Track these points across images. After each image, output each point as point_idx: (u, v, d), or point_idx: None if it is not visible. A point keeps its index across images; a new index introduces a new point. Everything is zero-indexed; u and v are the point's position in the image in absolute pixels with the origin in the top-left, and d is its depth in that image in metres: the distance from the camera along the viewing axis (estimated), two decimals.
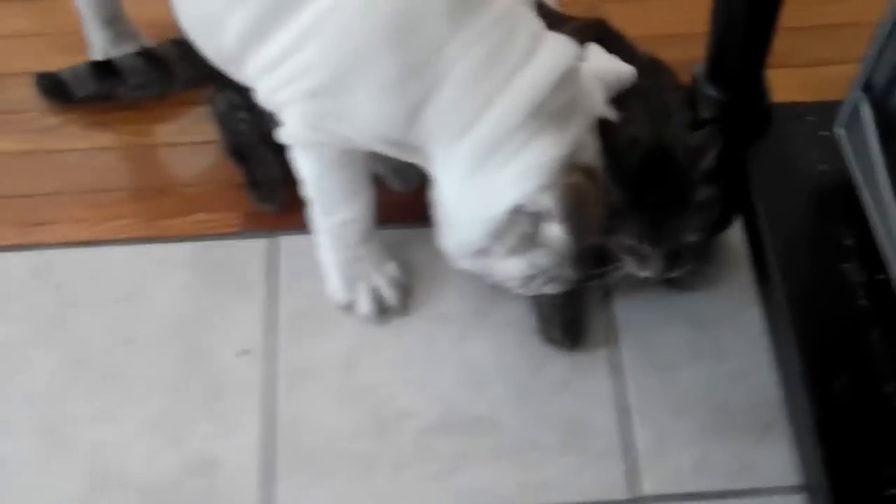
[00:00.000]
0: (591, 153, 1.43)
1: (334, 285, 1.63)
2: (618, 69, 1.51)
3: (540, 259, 1.46)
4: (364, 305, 1.63)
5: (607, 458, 1.52)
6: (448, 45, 1.37)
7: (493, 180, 1.41)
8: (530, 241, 1.44)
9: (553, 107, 1.39)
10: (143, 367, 1.59)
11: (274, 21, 1.41)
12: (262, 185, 1.72)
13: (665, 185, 1.44)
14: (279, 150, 1.58)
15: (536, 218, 1.40)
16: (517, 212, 1.40)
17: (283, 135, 1.51)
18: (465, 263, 1.52)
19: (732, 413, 1.55)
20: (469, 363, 1.59)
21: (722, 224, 1.58)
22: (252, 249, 1.69)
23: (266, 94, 1.49)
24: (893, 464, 1.28)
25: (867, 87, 1.36)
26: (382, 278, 1.63)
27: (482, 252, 1.48)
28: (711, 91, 1.48)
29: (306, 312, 1.63)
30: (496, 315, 1.63)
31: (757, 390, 1.56)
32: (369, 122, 1.43)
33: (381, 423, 1.55)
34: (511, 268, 1.48)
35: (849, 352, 1.35)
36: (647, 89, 1.50)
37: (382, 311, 1.63)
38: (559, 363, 1.59)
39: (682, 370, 1.58)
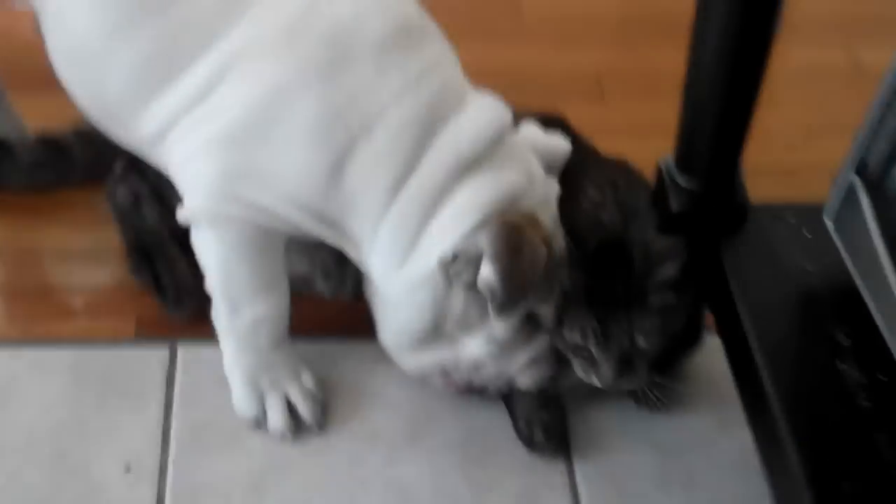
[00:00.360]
0: (539, 212, 1.30)
1: (241, 397, 1.39)
2: (553, 142, 1.39)
3: (497, 331, 1.26)
4: (275, 421, 1.38)
5: None
6: (377, 90, 1.23)
7: (425, 237, 1.26)
8: (480, 308, 1.25)
9: (485, 157, 1.27)
10: (4, 480, 1.30)
11: (172, 63, 1.25)
12: (170, 290, 1.49)
13: (620, 281, 1.31)
14: (191, 251, 1.37)
15: (476, 265, 1.25)
16: (455, 261, 1.25)
17: (185, 210, 1.30)
18: (415, 360, 1.32)
19: None
20: (400, 487, 1.35)
21: (691, 337, 1.40)
22: (145, 358, 1.45)
23: (163, 155, 1.30)
24: None
25: (861, 169, 1.20)
26: (297, 390, 1.39)
27: (430, 337, 1.28)
28: (682, 181, 1.31)
29: (207, 427, 1.38)
30: (432, 437, 1.40)
31: None
32: (288, 178, 1.25)
33: None
34: (469, 350, 1.27)
35: (854, 457, 1.14)
36: (619, 182, 1.39)
37: (296, 429, 1.38)
38: (506, 489, 1.36)
39: (647, 498, 1.35)
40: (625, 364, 1.33)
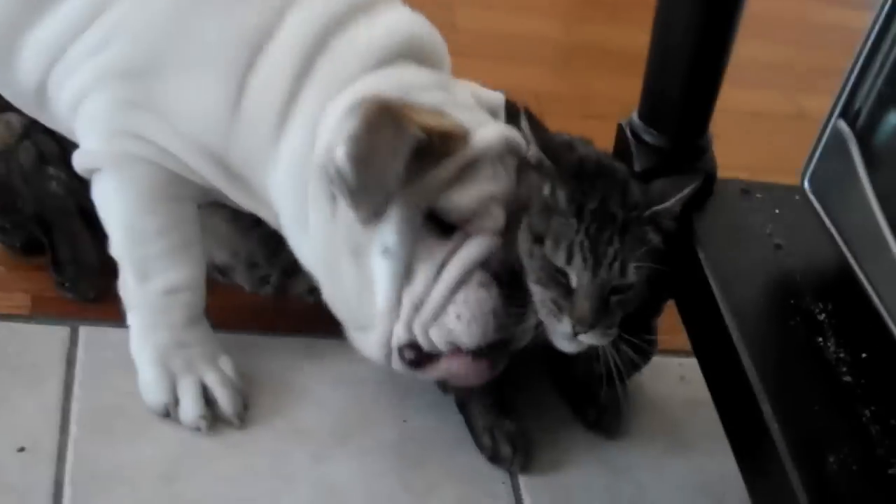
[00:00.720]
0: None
1: (149, 380, 1.23)
2: (490, 93, 1.26)
3: (388, 237, 1.13)
4: (189, 409, 1.22)
5: None
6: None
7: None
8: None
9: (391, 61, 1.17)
10: None
11: None
12: (69, 267, 1.34)
13: (614, 204, 1.14)
14: (99, 227, 1.24)
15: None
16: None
17: (82, 155, 1.18)
18: (368, 337, 1.19)
19: None
20: (329, 487, 1.20)
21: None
22: (43, 335, 1.29)
23: (51, 105, 1.20)
24: None
25: (845, 114, 1.13)
26: (215, 376, 1.24)
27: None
28: (648, 137, 1.21)
29: (113, 411, 1.22)
30: (365, 438, 1.26)
31: None
32: (188, 111, 1.15)
33: None
34: (376, 276, 1.15)
35: (840, 431, 1.05)
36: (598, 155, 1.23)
37: (212, 420, 1.23)
38: (445, 495, 1.23)
39: None
40: (603, 306, 1.13)
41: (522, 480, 1.25)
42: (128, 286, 1.22)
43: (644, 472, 1.29)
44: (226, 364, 1.26)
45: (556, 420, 1.33)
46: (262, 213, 1.22)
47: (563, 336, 1.13)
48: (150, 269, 1.21)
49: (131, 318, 1.24)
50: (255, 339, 1.34)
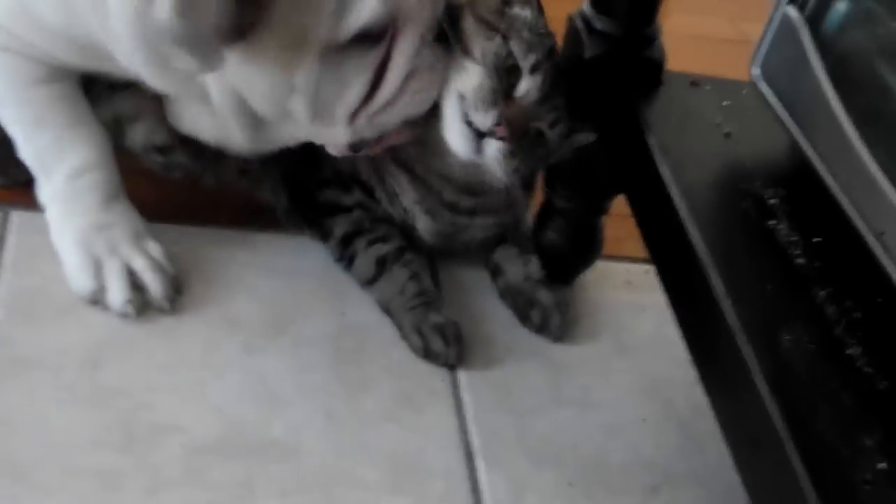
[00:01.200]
0: None
1: (74, 267, 1.18)
2: None
3: None
4: (116, 293, 1.18)
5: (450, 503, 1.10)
6: None
7: None
8: None
9: None
10: None
11: None
12: None
13: None
14: None
15: None
16: None
17: None
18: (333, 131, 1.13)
19: (607, 470, 1.17)
20: (260, 378, 1.17)
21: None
22: None
23: None
24: (870, 432, 0.93)
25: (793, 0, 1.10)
26: (142, 259, 1.20)
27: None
28: (598, 23, 1.18)
29: (39, 296, 1.18)
30: (300, 330, 1.22)
31: (634, 448, 1.20)
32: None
33: (132, 436, 1.08)
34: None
35: (794, 310, 1.02)
36: None
37: (141, 306, 1.19)
38: (382, 390, 1.19)
39: (540, 416, 1.20)
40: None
41: (462, 377, 1.22)
42: (39, 184, 1.19)
43: (588, 374, 1.26)
44: (154, 248, 1.21)
45: (499, 325, 1.29)
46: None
47: (477, 130, 1.12)
48: (48, 160, 1.17)
49: (49, 213, 1.20)
50: (191, 230, 1.29)
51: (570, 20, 1.20)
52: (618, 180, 1.24)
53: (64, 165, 1.17)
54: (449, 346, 1.21)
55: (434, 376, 1.21)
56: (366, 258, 1.26)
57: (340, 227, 1.27)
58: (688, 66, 1.70)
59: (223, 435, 1.10)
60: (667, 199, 1.10)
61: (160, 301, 1.19)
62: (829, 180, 1.03)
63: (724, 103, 1.20)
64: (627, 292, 1.35)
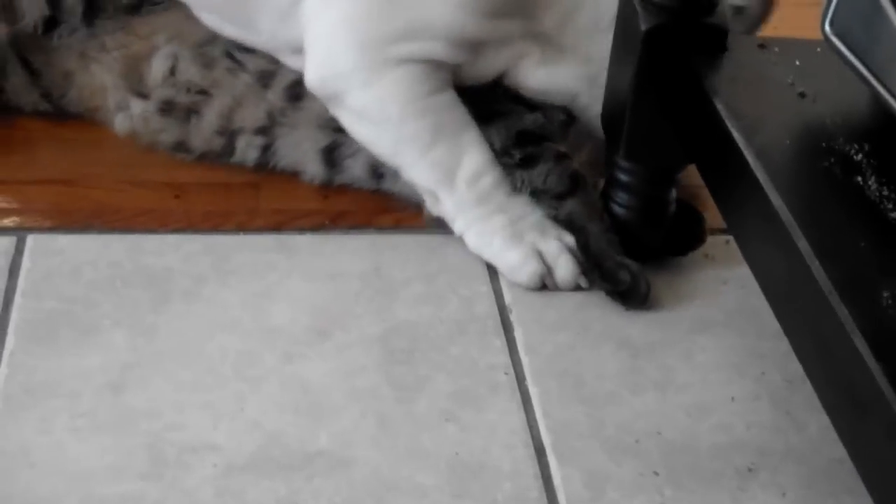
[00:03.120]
0: None
1: (515, 262, 1.17)
2: None
3: None
4: (566, 271, 1.16)
5: None
6: None
7: None
8: None
9: None
10: None
11: None
12: None
13: None
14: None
15: None
16: None
17: (329, 79, 1.15)
18: None
19: (696, 455, 1.03)
20: (302, 387, 1.05)
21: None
22: None
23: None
24: None
25: None
26: (556, 242, 1.17)
27: None
28: None
29: (60, 319, 1.09)
30: (342, 333, 1.11)
31: (725, 429, 1.06)
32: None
33: (160, 459, 0.97)
34: None
35: (893, 265, 0.90)
36: None
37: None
38: (438, 390, 1.07)
39: (617, 404, 1.07)
40: None
41: (528, 368, 1.09)
42: (438, 200, 1.18)
43: (669, 354, 1.13)
44: (560, 233, 1.18)
45: (567, 307, 1.17)
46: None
47: None
48: (447, 170, 1.16)
49: (459, 227, 1.19)
50: (224, 237, 1.20)
51: None
52: (686, 150, 1.13)
53: (462, 172, 1.16)
54: (636, 280, 1.14)
55: (495, 370, 1.09)
56: (560, 169, 1.18)
57: (519, 121, 1.21)
58: None
59: (261, 451, 0.99)
60: (742, 163, 0.99)
61: (571, 282, 1.16)
62: None
63: (796, 63, 1.10)
64: (707, 265, 1.22)
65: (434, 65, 1.15)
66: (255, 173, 1.28)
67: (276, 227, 1.22)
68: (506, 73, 1.20)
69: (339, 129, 1.20)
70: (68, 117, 1.31)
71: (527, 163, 1.18)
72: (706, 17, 1.09)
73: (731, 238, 1.18)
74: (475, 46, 1.17)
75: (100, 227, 1.20)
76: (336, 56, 1.14)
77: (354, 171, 1.24)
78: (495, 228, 1.17)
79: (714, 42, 1.09)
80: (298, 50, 1.18)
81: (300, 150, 1.24)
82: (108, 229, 1.20)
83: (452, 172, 1.16)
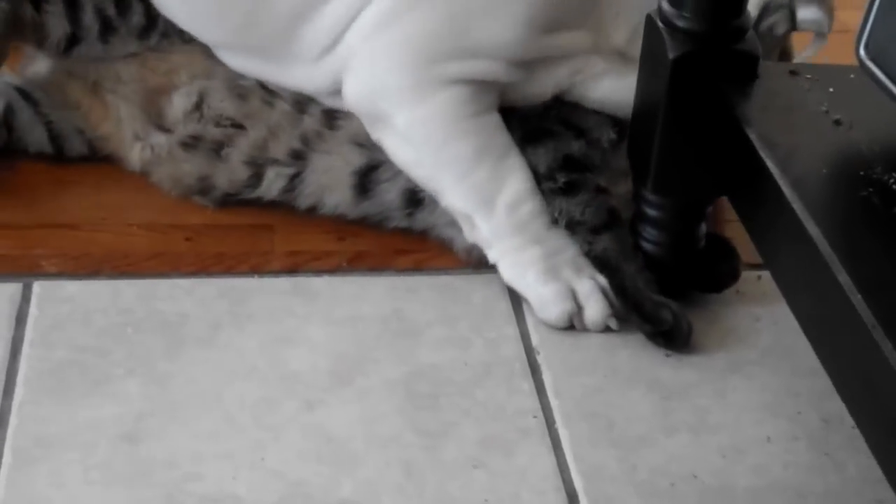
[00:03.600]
0: None
1: (545, 297, 1.13)
2: None
3: None
4: (596, 311, 1.12)
5: None
6: None
7: None
8: None
9: None
10: None
11: None
12: None
13: None
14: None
15: None
16: None
17: (374, 100, 1.14)
18: None
19: (732, 498, 1.00)
20: (324, 434, 1.02)
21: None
22: None
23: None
24: None
25: None
26: (589, 281, 1.14)
27: None
28: (680, 21, 1.04)
29: (66, 369, 1.05)
30: (364, 378, 1.07)
31: (761, 471, 1.02)
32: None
33: None
34: None
35: None
36: None
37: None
38: (465, 436, 1.03)
39: (650, 446, 1.03)
40: None
41: (557, 412, 1.06)
42: (475, 225, 1.14)
43: (702, 394, 1.09)
44: (592, 271, 1.15)
45: (597, 348, 1.13)
46: None
47: None
48: (487, 194, 1.13)
49: (495, 254, 1.15)
50: (239, 280, 1.16)
51: (650, 19, 1.07)
52: (717, 182, 1.10)
53: (503, 197, 1.14)
54: (678, 319, 1.10)
55: (524, 414, 1.05)
56: (598, 202, 1.15)
57: (567, 145, 1.18)
58: None
59: (284, 501, 0.95)
60: (777, 194, 0.96)
61: (601, 324, 1.13)
62: None
63: (830, 90, 1.07)
64: (738, 301, 1.18)
65: (484, 85, 1.13)
66: (267, 214, 1.24)
67: (292, 270, 1.19)
68: (564, 90, 1.18)
69: (376, 150, 1.18)
70: (69, 161, 1.28)
71: (569, 190, 1.14)
72: (736, 43, 1.06)
73: (762, 273, 1.15)
74: (531, 65, 1.14)
75: (109, 273, 1.16)
76: (385, 74, 1.13)
77: (388, 196, 1.20)
78: (531, 260, 1.13)
79: (745, 69, 1.06)
80: (333, 91, 1.16)
81: (329, 176, 1.20)
82: (117, 274, 1.16)
83: (493, 197, 1.13)
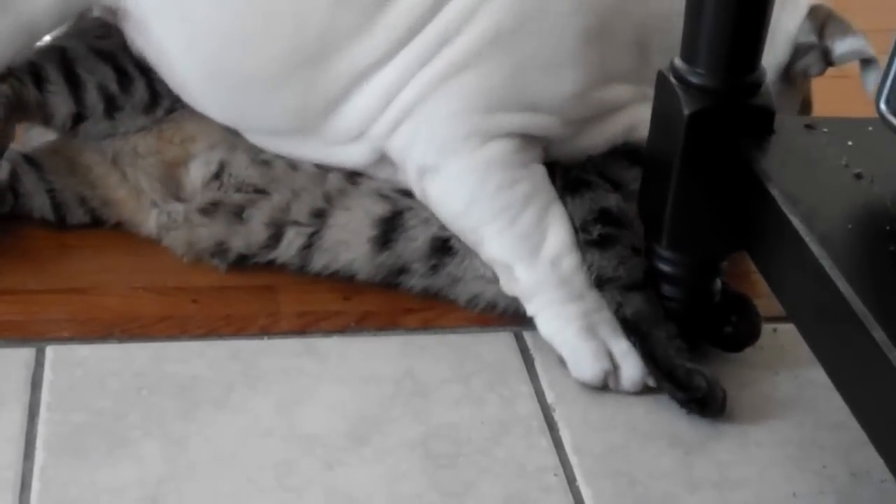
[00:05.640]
0: None
1: (584, 355, 1.12)
2: None
3: None
4: (633, 372, 1.12)
5: None
6: None
7: None
8: None
9: None
10: None
11: None
12: None
13: None
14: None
15: None
16: None
17: (423, 156, 1.15)
18: None
19: None
20: (345, 495, 1.01)
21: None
22: (5, 361, 1.10)
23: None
24: None
25: None
26: (625, 342, 1.13)
27: None
28: (694, 78, 1.05)
29: (88, 431, 1.04)
30: (381, 438, 1.07)
31: None
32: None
33: None
34: None
35: None
36: None
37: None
38: (485, 495, 1.02)
39: (674, 503, 1.03)
40: None
41: (578, 469, 1.05)
42: (515, 277, 1.14)
43: (724, 450, 1.08)
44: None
45: (616, 405, 1.12)
46: None
47: None
48: (531, 245, 1.13)
49: (534, 307, 1.15)
50: (249, 342, 1.15)
51: (661, 76, 1.08)
52: (734, 238, 1.10)
53: (546, 248, 1.14)
54: (711, 388, 1.09)
55: (545, 472, 1.04)
56: (634, 261, 1.14)
57: (604, 198, 1.17)
58: None
59: None
60: (804, 251, 0.96)
61: (639, 384, 1.12)
62: None
63: (849, 143, 1.08)
64: (755, 355, 1.18)
65: (533, 137, 1.14)
66: (270, 275, 1.23)
67: (301, 330, 1.18)
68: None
69: (400, 199, 1.19)
70: (71, 227, 1.27)
71: (603, 243, 1.14)
72: (751, 98, 1.07)
73: (778, 326, 1.16)
74: (581, 122, 1.16)
75: (120, 336, 1.15)
76: (442, 123, 1.13)
77: (413, 245, 1.19)
78: (571, 316, 1.13)
79: (761, 124, 1.06)
80: (374, 163, 1.18)
81: (348, 230, 1.19)
82: (128, 338, 1.15)
83: (537, 248, 1.13)
